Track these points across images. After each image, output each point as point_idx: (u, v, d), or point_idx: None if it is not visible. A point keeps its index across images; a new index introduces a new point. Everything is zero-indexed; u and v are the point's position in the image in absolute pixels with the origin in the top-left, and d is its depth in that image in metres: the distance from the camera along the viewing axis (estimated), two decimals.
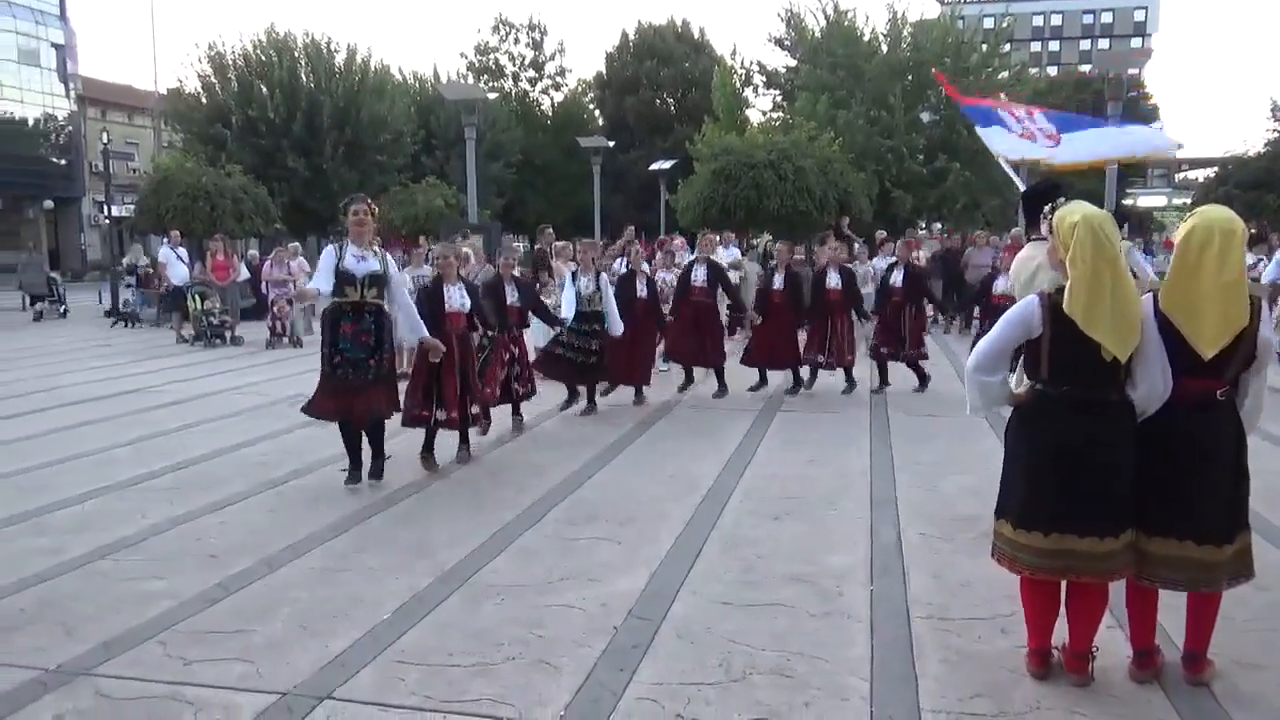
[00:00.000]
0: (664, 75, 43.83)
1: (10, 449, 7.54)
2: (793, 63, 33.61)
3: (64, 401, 9.76)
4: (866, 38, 30.74)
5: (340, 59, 33.73)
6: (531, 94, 46.78)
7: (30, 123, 44.01)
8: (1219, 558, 3.26)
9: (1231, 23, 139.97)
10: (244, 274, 16.85)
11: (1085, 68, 62.39)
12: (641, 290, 9.45)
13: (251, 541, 5.14)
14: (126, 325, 18.85)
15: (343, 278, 6.08)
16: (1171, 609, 3.51)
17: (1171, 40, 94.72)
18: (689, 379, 10.18)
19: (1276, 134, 30.78)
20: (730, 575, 4.63)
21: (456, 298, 6.87)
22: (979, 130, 7.49)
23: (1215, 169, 35.55)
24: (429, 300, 6.86)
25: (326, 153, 31.95)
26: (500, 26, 45.57)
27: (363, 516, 5.64)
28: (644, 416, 8.85)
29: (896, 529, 5.34)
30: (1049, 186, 4.02)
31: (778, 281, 9.92)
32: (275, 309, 14.83)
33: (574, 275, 8.80)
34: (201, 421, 8.64)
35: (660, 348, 10.33)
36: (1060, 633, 3.48)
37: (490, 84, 42.32)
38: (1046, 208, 3.39)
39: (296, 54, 32.64)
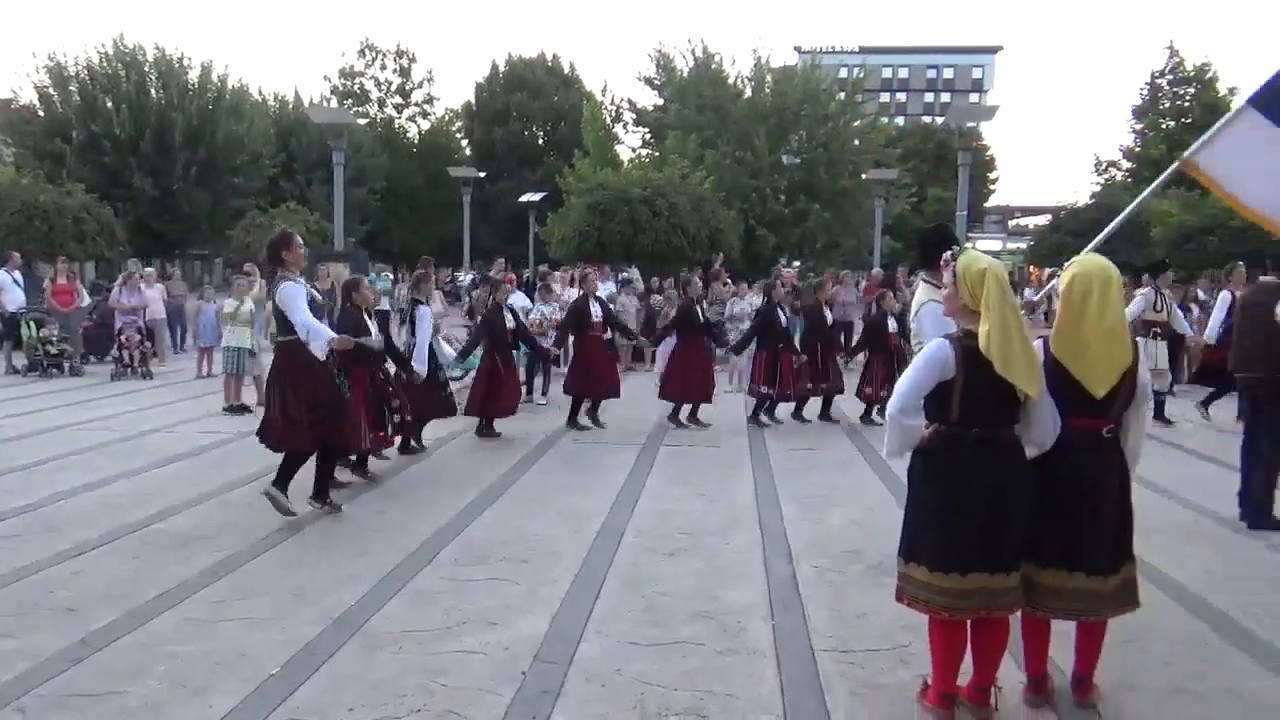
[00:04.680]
0: (534, 107, 43.97)
1: None
2: (661, 101, 34.36)
3: None
4: (732, 80, 31.78)
5: (194, 75, 32.25)
6: (398, 120, 46.02)
7: None
8: (1105, 588, 3.45)
9: (1058, 83, 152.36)
10: (86, 299, 15.70)
11: (929, 119, 66.41)
12: (511, 323, 9.68)
13: (115, 592, 4.74)
14: None
15: (319, 311, 6.16)
16: (1056, 635, 3.70)
17: (1005, 97, 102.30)
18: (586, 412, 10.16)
19: (1100, 186, 33.63)
20: (633, 614, 4.59)
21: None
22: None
23: (1049, 217, 38.40)
24: (357, 332, 6.87)
25: (177, 173, 30.42)
26: (366, 51, 44.76)
27: (239, 561, 5.29)
28: (525, 452, 8.72)
29: (790, 562, 5.44)
30: (945, 232, 4.23)
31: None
32: (123, 338, 13.85)
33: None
34: (45, 460, 7.96)
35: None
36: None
37: (355, 109, 41.33)
38: (947, 254, 3.53)
39: (146, 68, 31.02)
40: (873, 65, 48.87)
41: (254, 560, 5.34)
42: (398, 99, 45.87)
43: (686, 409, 10.26)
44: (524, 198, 31.17)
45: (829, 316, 10.72)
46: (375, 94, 45.38)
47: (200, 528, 5.95)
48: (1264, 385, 6.33)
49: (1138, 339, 10.40)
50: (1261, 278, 6.52)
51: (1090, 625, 3.55)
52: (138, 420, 10.08)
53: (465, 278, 24.48)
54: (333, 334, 6.11)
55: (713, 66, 31.82)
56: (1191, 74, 35.16)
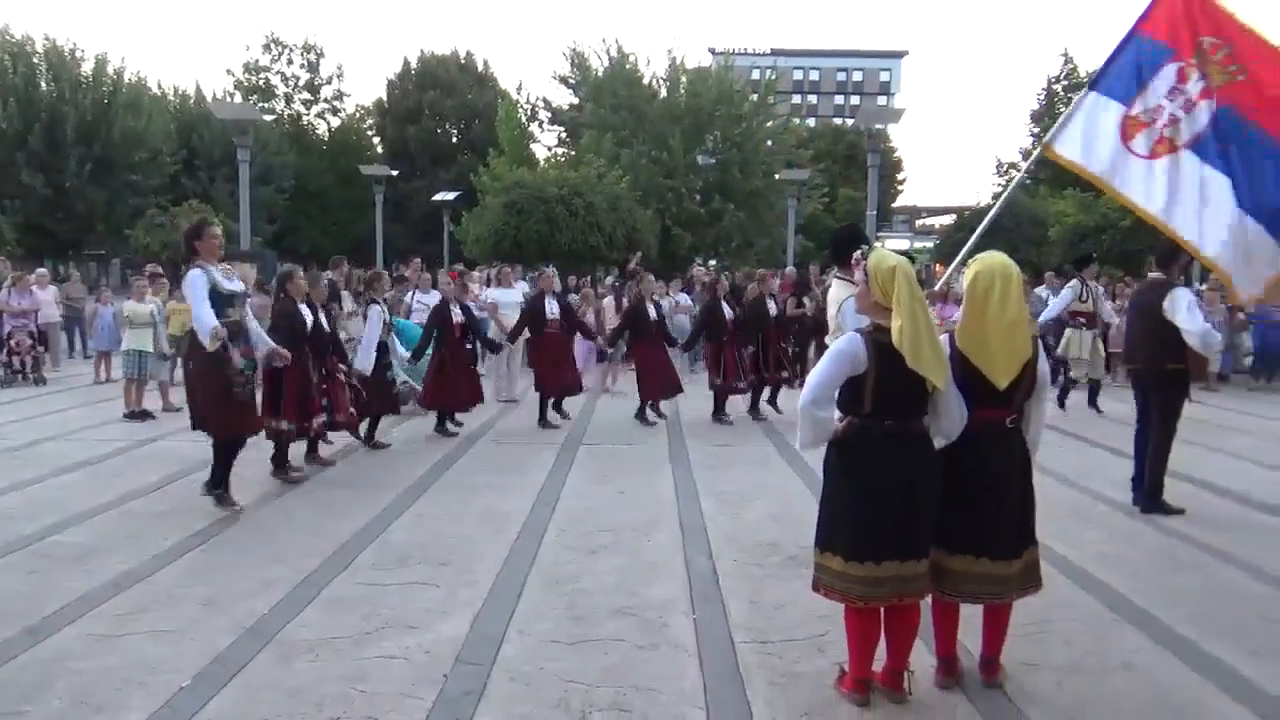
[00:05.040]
0: (447, 105, 43.38)
1: None
2: (577, 101, 34.31)
3: None
4: (647, 81, 31.93)
5: (88, 68, 30.90)
6: (306, 117, 44.89)
7: None
8: (1009, 572, 3.60)
9: (961, 88, 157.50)
10: None
11: (839, 121, 67.87)
12: (459, 317, 9.69)
13: (10, 609, 4.52)
14: None
15: (226, 299, 6.18)
16: (964, 618, 3.84)
17: (911, 100, 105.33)
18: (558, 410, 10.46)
19: (1001, 187, 34.94)
20: (556, 612, 4.59)
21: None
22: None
23: (954, 216, 39.66)
24: (291, 322, 7.30)
25: (70, 169, 29.13)
26: (272, 45, 43.52)
27: (144, 572, 5.10)
28: (444, 453, 8.62)
29: (710, 557, 5.51)
30: (856, 231, 4.34)
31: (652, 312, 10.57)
32: (14, 343, 13.17)
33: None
34: None
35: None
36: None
37: (260, 104, 40.11)
38: (857, 253, 3.64)
39: (35, 60, 29.58)
40: (784, 67, 49.78)
41: (160, 571, 5.15)
42: (306, 95, 44.76)
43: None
44: (438, 197, 30.71)
45: (773, 308, 10.92)
46: (282, 89, 44.18)
47: (101, 539, 5.72)
48: (1149, 376, 6.68)
49: (1067, 329, 11.24)
50: (1150, 274, 6.87)
51: (996, 608, 3.70)
52: (30, 428, 9.61)
53: None
54: (212, 326, 5.95)
55: (627, 66, 31.91)
56: (1085, 80, 36.79)
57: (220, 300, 6.12)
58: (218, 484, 6.43)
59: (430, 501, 6.85)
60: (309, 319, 7.49)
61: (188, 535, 5.81)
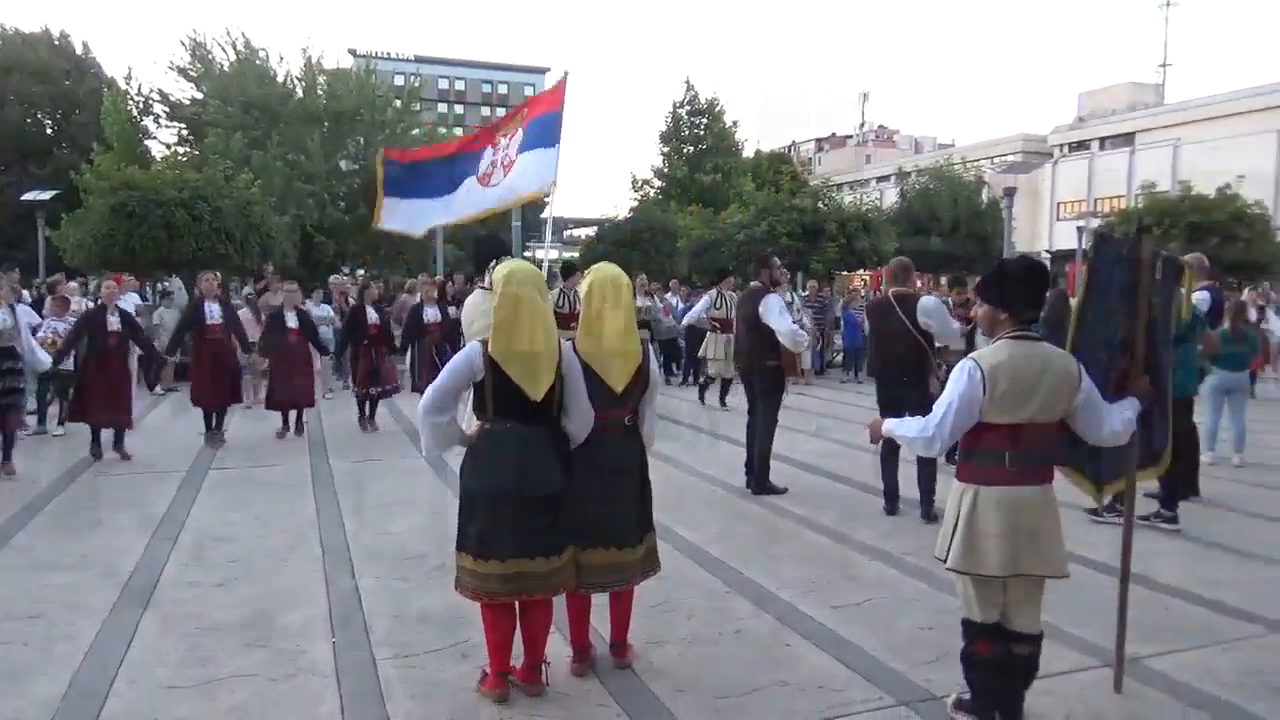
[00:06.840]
0: (38, 92, 37.66)
1: None
2: (200, 95, 31.44)
3: None
4: (281, 79, 30.08)
5: None
6: None
7: None
8: (633, 558, 3.90)
9: (600, 106, 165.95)
10: None
11: None
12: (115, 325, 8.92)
13: None
14: None
15: None
16: (595, 607, 4.09)
17: None
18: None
19: (637, 201, 37.50)
20: (175, 656, 4.19)
21: None
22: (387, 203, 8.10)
23: (595, 229, 41.74)
24: None
25: None
26: None
27: None
28: (37, 491, 7.50)
29: (353, 576, 5.34)
30: (497, 243, 4.46)
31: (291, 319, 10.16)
32: None
33: None
34: None
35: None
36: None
37: None
38: (493, 262, 3.75)
39: None
40: (428, 75, 49.28)
41: None
42: None
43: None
44: (28, 196, 26.54)
45: (432, 315, 10.87)
46: None
47: None
48: (753, 372, 7.55)
49: (707, 333, 12.33)
50: (752, 283, 7.74)
51: (620, 593, 3.98)
52: None
53: None
54: None
55: (258, 62, 29.82)
56: (705, 106, 40.41)
57: None
58: None
59: (16, 551, 5.93)
60: None
61: None
